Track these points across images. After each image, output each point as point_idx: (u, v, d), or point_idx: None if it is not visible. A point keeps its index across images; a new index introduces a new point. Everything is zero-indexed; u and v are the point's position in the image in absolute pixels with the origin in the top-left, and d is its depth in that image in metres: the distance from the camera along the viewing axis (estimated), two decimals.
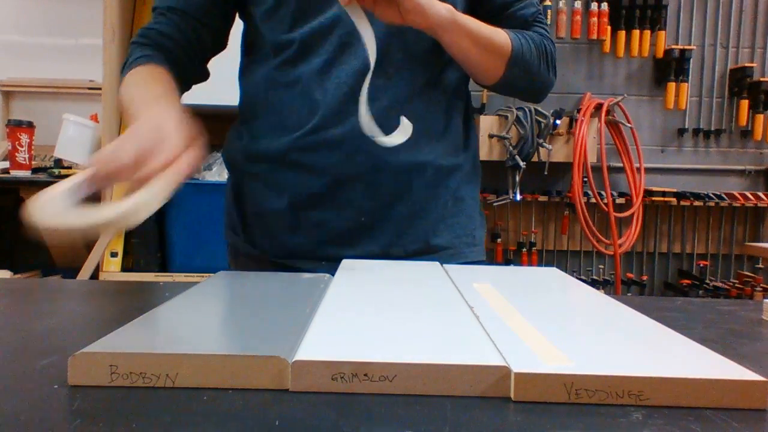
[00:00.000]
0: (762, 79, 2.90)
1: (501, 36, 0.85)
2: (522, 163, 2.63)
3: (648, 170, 2.90)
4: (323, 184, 0.86)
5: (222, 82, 2.44)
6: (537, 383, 0.37)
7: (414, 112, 0.82)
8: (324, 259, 0.88)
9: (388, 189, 0.87)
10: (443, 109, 0.91)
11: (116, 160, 0.58)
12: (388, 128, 0.80)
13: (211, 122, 3.03)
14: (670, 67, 2.86)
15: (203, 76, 0.96)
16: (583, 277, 2.88)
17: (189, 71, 0.91)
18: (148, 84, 0.80)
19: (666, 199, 2.83)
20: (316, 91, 0.86)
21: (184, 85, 0.90)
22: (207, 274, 0.75)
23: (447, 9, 0.79)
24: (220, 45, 0.95)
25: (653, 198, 2.83)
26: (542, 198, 2.84)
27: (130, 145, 0.59)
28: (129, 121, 0.72)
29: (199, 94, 2.70)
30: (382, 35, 0.82)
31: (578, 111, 2.75)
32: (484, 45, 0.84)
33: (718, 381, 0.38)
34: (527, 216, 2.92)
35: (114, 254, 2.33)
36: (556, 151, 2.77)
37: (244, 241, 0.95)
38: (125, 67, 0.87)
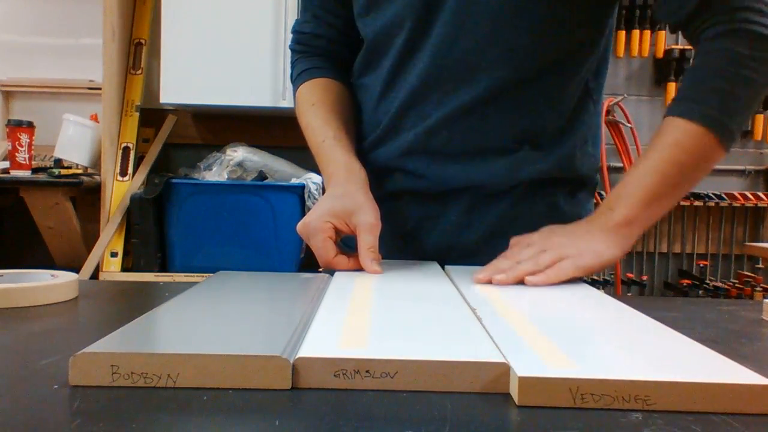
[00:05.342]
0: None
1: (689, 140, 0.72)
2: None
3: None
4: (374, 195, 0.86)
5: (225, 83, 2.46)
6: (542, 388, 0.37)
7: (470, 127, 0.83)
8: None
9: (435, 202, 0.88)
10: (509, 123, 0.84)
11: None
12: (434, 145, 0.83)
13: (213, 122, 3.06)
14: (670, 67, 2.86)
15: (360, 49, 0.96)
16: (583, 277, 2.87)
17: (347, 57, 0.96)
18: (330, 123, 0.88)
19: None
20: (380, 103, 0.88)
21: (347, 73, 0.97)
22: (207, 274, 0.75)
23: (613, 222, 0.73)
24: None
25: None
26: None
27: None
28: (324, 172, 0.86)
29: (203, 95, 2.70)
30: (440, 45, 0.81)
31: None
32: (684, 174, 0.74)
33: (727, 385, 0.37)
34: None
35: (114, 254, 2.33)
36: None
37: None
38: (295, 79, 0.96)
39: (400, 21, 0.83)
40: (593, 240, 0.73)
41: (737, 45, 0.71)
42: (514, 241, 0.78)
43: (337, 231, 0.77)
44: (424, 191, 0.88)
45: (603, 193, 2.80)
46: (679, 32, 0.80)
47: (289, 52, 1.02)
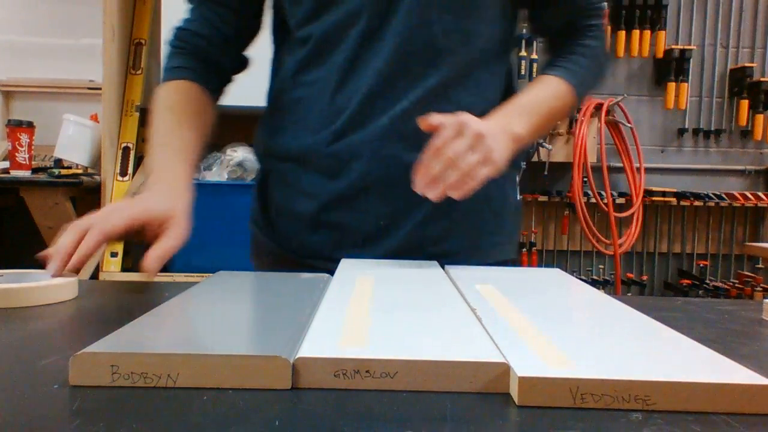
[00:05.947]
0: (762, 79, 2.90)
1: (563, 94, 0.91)
2: (522, 163, 2.63)
3: (648, 170, 2.91)
4: (342, 189, 0.86)
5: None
6: (542, 388, 0.37)
7: (442, 109, 0.83)
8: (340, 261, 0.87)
9: (407, 193, 0.85)
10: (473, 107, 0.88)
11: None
12: (408, 130, 0.82)
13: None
14: (670, 67, 2.86)
15: (242, 65, 0.98)
16: (583, 277, 2.88)
17: (226, 68, 0.97)
18: (174, 128, 0.88)
19: (666, 199, 2.84)
20: (338, 93, 0.86)
21: (220, 86, 0.97)
22: (207, 274, 0.75)
23: (513, 133, 0.83)
24: (257, 29, 0.97)
25: (653, 198, 2.83)
26: (542, 198, 2.84)
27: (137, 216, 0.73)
28: (150, 159, 0.85)
29: None
30: (406, 32, 0.82)
31: (578, 111, 2.75)
32: (555, 117, 0.93)
33: (727, 385, 0.37)
34: (527, 216, 2.92)
35: (114, 254, 2.33)
36: (556, 151, 2.77)
37: (264, 235, 0.97)
38: (164, 72, 0.94)
39: (354, 16, 0.83)
40: (503, 142, 0.80)
41: (599, 43, 0.96)
42: (441, 120, 0.77)
43: (134, 226, 0.73)
44: (396, 182, 0.85)
45: (602, 192, 2.80)
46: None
47: None
